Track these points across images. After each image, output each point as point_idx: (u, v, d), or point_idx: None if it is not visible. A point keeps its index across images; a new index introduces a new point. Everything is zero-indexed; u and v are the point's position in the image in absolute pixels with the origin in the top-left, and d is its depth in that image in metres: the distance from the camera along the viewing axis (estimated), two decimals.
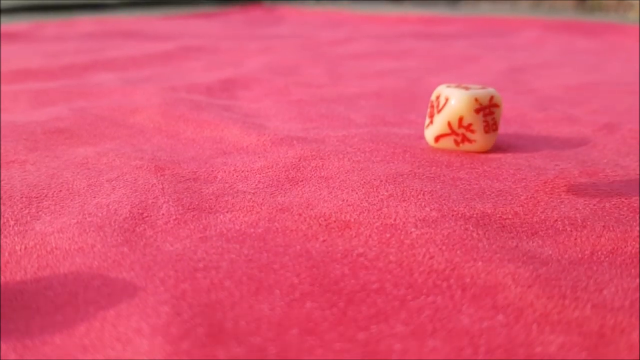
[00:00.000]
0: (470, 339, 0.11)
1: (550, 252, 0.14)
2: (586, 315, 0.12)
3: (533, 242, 0.15)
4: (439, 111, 0.22)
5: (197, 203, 0.17)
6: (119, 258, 0.14)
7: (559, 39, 0.79)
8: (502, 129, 0.28)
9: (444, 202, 0.17)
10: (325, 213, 0.16)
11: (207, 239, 0.15)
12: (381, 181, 0.19)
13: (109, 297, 0.12)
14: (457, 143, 0.22)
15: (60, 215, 0.16)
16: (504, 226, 0.16)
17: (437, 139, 0.23)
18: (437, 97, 0.23)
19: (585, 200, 0.17)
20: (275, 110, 0.30)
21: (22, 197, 0.18)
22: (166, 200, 0.17)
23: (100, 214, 0.16)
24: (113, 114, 0.28)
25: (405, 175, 0.19)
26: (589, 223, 0.16)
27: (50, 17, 0.85)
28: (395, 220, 0.16)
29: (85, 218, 0.16)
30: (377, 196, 0.17)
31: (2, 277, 0.13)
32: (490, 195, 0.18)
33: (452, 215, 0.16)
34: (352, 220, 0.16)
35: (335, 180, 0.19)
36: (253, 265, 0.14)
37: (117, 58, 0.45)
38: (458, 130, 0.22)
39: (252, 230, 0.15)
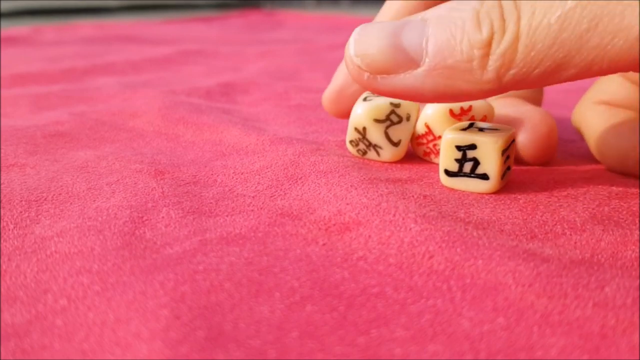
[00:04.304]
0: (471, 343, 0.11)
1: (550, 252, 0.14)
2: (587, 314, 0.12)
3: (533, 244, 0.15)
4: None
5: (197, 206, 0.17)
6: (118, 261, 0.14)
7: None
8: None
9: (443, 205, 0.17)
10: (325, 216, 0.16)
11: (207, 242, 0.15)
12: (380, 181, 0.19)
13: (108, 301, 0.12)
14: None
15: (59, 218, 0.16)
16: (502, 230, 0.16)
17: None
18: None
19: (584, 204, 0.17)
20: (275, 114, 0.30)
21: (21, 201, 0.18)
22: (166, 203, 0.17)
23: (99, 218, 0.16)
24: (113, 118, 0.28)
25: (404, 180, 0.19)
26: (588, 226, 0.16)
27: (50, 21, 0.85)
28: (394, 215, 0.16)
29: (85, 222, 0.16)
30: (377, 191, 0.17)
31: (2, 281, 0.13)
32: (488, 199, 0.18)
33: (451, 217, 0.16)
34: (352, 220, 0.16)
35: (334, 175, 0.19)
36: (253, 268, 0.14)
37: (117, 62, 0.45)
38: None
39: (252, 234, 0.15)
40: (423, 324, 0.12)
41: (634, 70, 0.14)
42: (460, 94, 0.15)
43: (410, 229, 0.15)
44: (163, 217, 0.16)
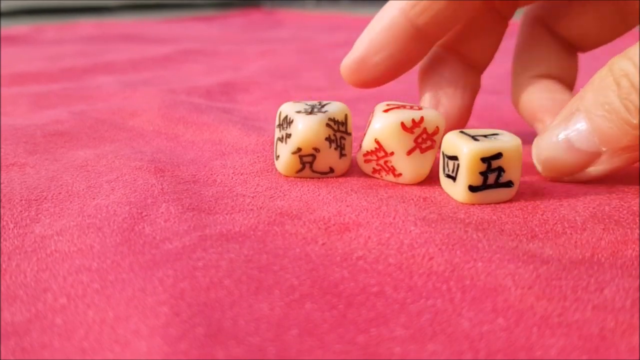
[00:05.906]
0: (470, 342, 0.11)
1: (550, 252, 0.14)
2: (587, 317, 0.12)
3: (533, 244, 0.15)
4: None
5: (196, 204, 0.17)
6: (117, 258, 0.14)
7: None
8: None
9: (443, 207, 0.17)
10: (324, 217, 0.16)
11: (207, 238, 0.15)
12: (380, 185, 0.19)
13: (107, 299, 0.12)
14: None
15: (59, 217, 0.16)
16: (503, 230, 0.16)
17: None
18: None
19: (584, 203, 0.17)
20: (275, 113, 0.29)
21: (21, 200, 0.18)
22: (165, 199, 0.17)
23: (99, 215, 0.16)
24: (113, 117, 0.28)
25: (404, 183, 0.19)
26: (588, 225, 0.16)
27: (50, 20, 0.85)
28: (394, 218, 0.16)
29: (85, 220, 0.16)
30: (377, 196, 0.17)
31: (2, 280, 0.13)
32: None
33: (451, 219, 0.16)
34: (351, 221, 0.16)
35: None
36: (252, 266, 0.14)
37: (117, 61, 0.45)
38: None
39: (251, 232, 0.15)
40: (422, 324, 0.12)
41: None
42: None
43: (410, 231, 0.15)
44: (162, 213, 0.16)
